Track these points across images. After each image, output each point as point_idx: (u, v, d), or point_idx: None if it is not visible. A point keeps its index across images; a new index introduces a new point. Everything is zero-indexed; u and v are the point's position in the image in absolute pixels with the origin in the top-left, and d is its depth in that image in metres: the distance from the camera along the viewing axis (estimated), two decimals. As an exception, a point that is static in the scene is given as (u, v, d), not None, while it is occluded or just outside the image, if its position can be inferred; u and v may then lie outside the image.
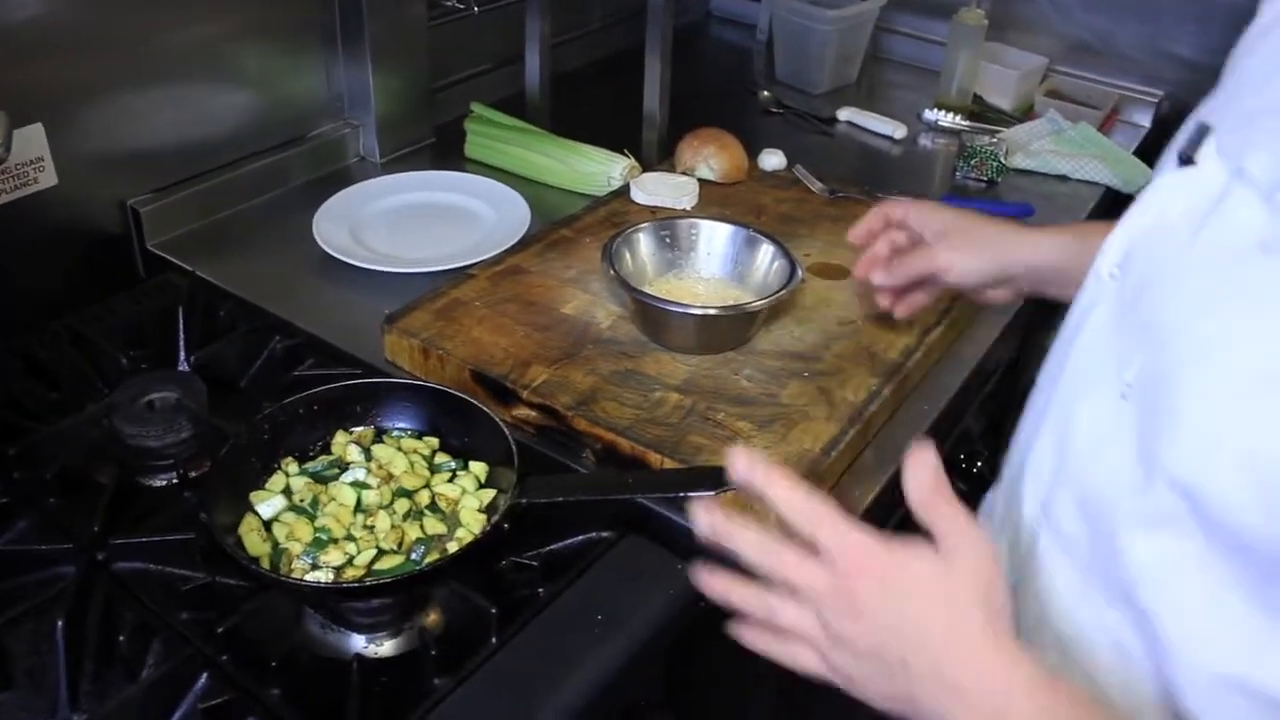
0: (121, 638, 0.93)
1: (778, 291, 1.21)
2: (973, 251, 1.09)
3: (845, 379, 1.18)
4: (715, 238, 1.33)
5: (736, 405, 1.13)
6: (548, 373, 1.15)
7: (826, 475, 1.07)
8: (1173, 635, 0.66)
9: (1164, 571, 0.66)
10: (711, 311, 1.17)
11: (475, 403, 1.07)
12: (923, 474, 0.69)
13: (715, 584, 0.78)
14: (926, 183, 1.79)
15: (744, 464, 0.74)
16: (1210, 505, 0.61)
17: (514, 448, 1.01)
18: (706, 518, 0.75)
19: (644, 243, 1.31)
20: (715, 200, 1.52)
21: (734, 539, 0.75)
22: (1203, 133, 0.71)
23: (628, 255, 1.29)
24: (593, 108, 1.97)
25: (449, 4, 1.79)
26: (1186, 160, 0.71)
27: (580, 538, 1.03)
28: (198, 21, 1.46)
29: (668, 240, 1.33)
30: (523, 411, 1.14)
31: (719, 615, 1.06)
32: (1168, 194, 0.72)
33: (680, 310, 1.18)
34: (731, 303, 1.25)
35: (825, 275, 1.36)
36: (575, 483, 1.06)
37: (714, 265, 1.33)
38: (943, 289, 1.16)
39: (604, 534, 1.03)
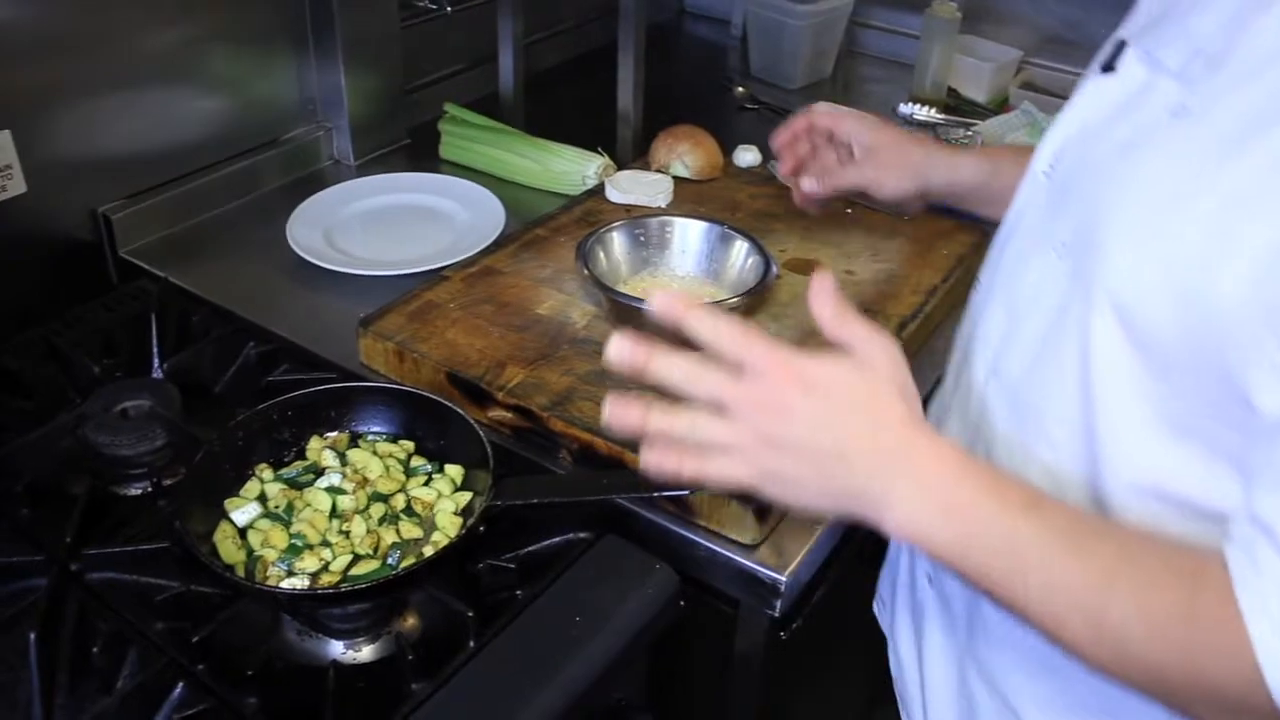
0: (95, 649, 0.92)
1: (752, 288, 1.21)
2: (899, 171, 1.21)
3: (822, 375, 1.17)
4: (689, 235, 1.33)
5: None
6: (523, 374, 1.15)
7: (804, 472, 1.07)
8: (1108, 453, 0.74)
9: (1101, 393, 0.74)
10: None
11: (450, 405, 1.06)
12: (827, 299, 0.75)
13: (629, 413, 0.78)
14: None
15: (663, 300, 0.77)
16: (1137, 321, 0.69)
17: (489, 450, 1.01)
18: (621, 347, 0.76)
19: (618, 241, 1.31)
20: (690, 197, 1.52)
21: (656, 365, 0.76)
22: (1121, 46, 0.81)
23: (601, 255, 1.28)
24: (567, 107, 1.97)
25: (421, 4, 1.78)
26: (1109, 69, 0.81)
27: (558, 539, 1.03)
28: (167, 25, 1.45)
29: (641, 239, 1.33)
30: (498, 413, 1.13)
31: (700, 615, 1.06)
32: (1093, 97, 0.82)
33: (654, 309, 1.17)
34: (707, 300, 1.25)
35: (801, 271, 1.36)
36: (551, 484, 1.06)
37: (688, 263, 1.32)
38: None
39: (582, 534, 1.03)
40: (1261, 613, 0.61)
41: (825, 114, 1.29)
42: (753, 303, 1.24)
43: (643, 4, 1.57)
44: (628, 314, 1.20)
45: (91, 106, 1.40)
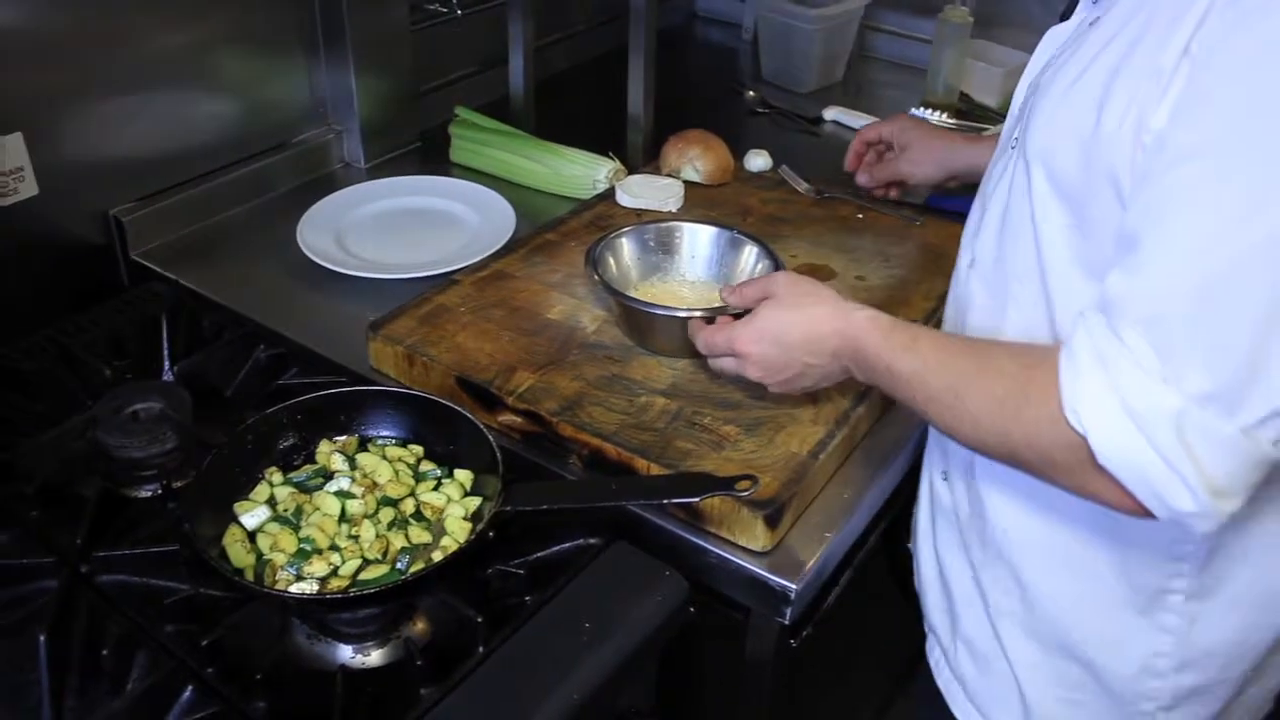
0: (105, 651, 0.92)
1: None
2: (926, 162, 1.44)
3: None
4: (699, 240, 1.32)
5: (723, 409, 1.12)
6: (533, 378, 1.15)
7: (815, 477, 1.07)
8: (1056, 298, 0.89)
9: (1045, 246, 0.89)
10: (696, 314, 1.16)
11: (460, 410, 1.06)
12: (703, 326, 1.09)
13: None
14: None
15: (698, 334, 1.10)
16: (1054, 168, 0.86)
17: (499, 455, 1.00)
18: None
19: (628, 246, 1.31)
20: (701, 202, 1.52)
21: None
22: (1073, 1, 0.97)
23: (611, 260, 1.28)
24: (577, 111, 1.97)
25: (431, 7, 1.79)
26: (1064, 18, 0.97)
27: (567, 545, 1.03)
28: (178, 29, 1.46)
29: (651, 244, 1.32)
30: (508, 418, 1.13)
31: (709, 621, 1.06)
32: (1050, 40, 0.98)
33: (665, 313, 1.17)
34: (717, 304, 1.24)
35: (812, 276, 1.35)
36: (561, 490, 1.06)
37: (698, 268, 1.32)
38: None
39: (591, 540, 1.03)
40: (1068, 361, 0.78)
41: (870, 128, 1.54)
42: None
43: (654, 8, 1.57)
44: (638, 319, 1.20)
45: (103, 109, 1.40)
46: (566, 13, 2.15)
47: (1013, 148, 0.96)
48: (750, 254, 1.28)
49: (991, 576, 1.02)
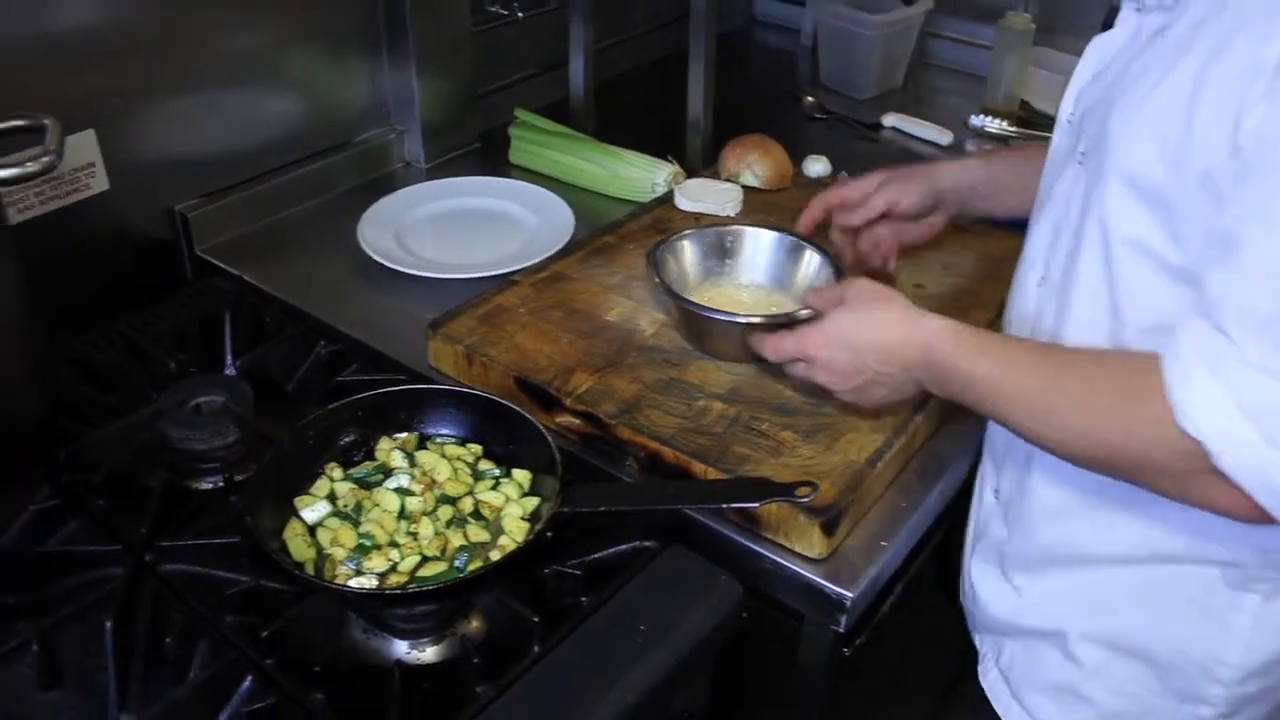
0: (169, 639, 0.93)
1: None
2: (908, 184, 1.28)
3: (890, 389, 1.16)
4: (760, 245, 1.32)
5: (781, 415, 1.12)
6: (591, 380, 1.15)
7: (872, 486, 1.06)
8: (1124, 302, 0.89)
9: (1119, 259, 0.88)
10: (757, 320, 1.16)
11: (520, 410, 1.07)
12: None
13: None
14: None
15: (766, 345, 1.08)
16: (1139, 179, 0.84)
17: (558, 456, 1.01)
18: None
19: (688, 249, 1.31)
20: (759, 207, 1.52)
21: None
22: (1115, 10, 0.95)
23: (672, 262, 1.28)
24: (637, 113, 1.97)
25: (493, 9, 1.80)
26: (1107, 27, 0.95)
27: (623, 547, 1.03)
28: (245, 28, 1.48)
29: (712, 247, 1.32)
30: (566, 419, 1.13)
31: (762, 627, 1.06)
32: (1098, 50, 0.96)
33: (726, 319, 1.17)
34: (775, 310, 1.24)
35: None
36: (619, 492, 1.06)
37: (757, 272, 1.32)
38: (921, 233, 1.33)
39: (647, 543, 1.03)
40: (1174, 360, 0.77)
41: (829, 192, 1.33)
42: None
43: (715, 12, 1.57)
44: (698, 323, 1.20)
45: (171, 107, 1.42)
46: (626, 16, 2.15)
47: (1079, 163, 0.94)
48: (811, 260, 1.28)
49: (1044, 590, 1.02)
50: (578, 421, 1.13)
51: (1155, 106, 0.83)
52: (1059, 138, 1.01)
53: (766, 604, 1.06)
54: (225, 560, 1.01)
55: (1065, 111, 1.00)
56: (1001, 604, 1.08)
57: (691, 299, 1.23)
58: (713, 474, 1.05)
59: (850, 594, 1.00)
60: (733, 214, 1.49)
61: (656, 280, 1.22)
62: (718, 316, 1.17)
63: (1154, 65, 0.84)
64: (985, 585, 1.11)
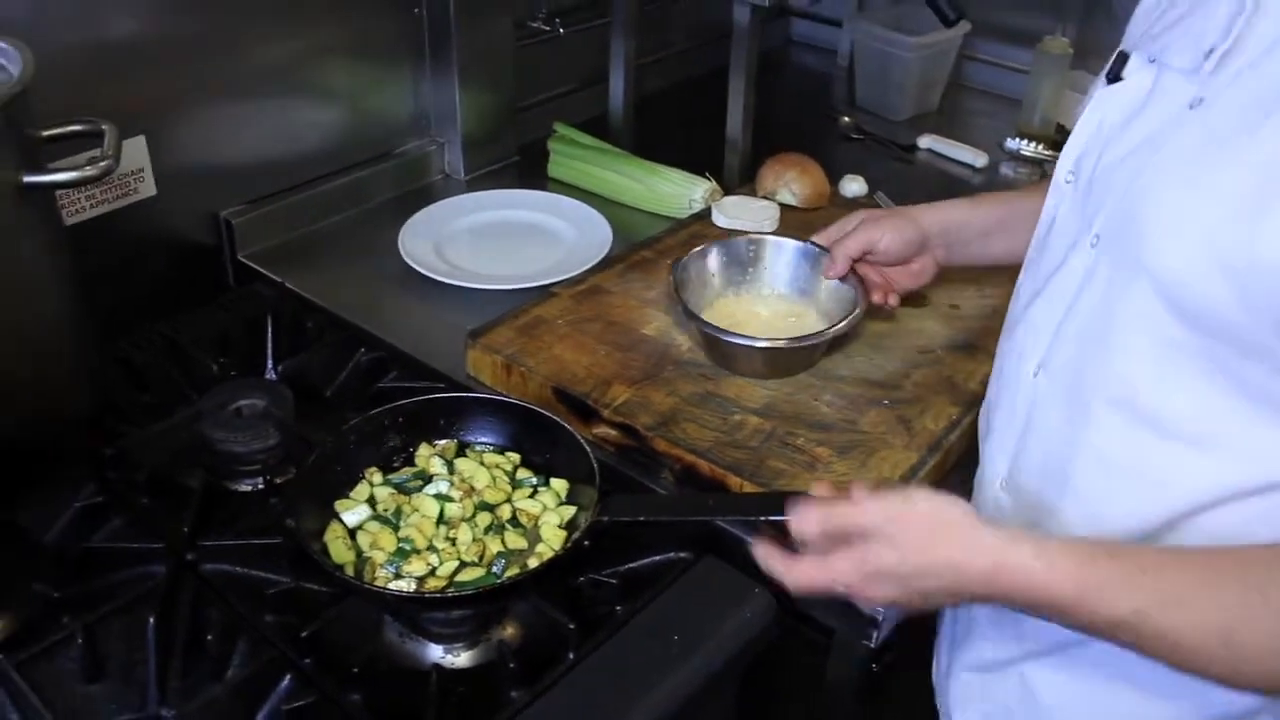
0: (209, 637, 0.95)
1: (846, 315, 1.21)
2: (893, 223, 1.21)
3: (925, 407, 1.17)
4: (782, 254, 1.33)
5: (816, 431, 1.13)
6: (629, 392, 1.16)
7: (906, 504, 1.07)
8: (1165, 428, 0.80)
9: (1151, 371, 0.79)
10: (780, 344, 1.18)
11: (559, 420, 1.08)
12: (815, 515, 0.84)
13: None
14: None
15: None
16: (1186, 298, 0.75)
17: (596, 466, 1.02)
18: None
19: (712, 260, 1.32)
20: (796, 225, 1.52)
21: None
22: (1125, 57, 0.87)
23: (694, 275, 1.29)
24: (675, 130, 1.99)
25: (535, 25, 1.82)
26: (1115, 79, 0.87)
27: (658, 557, 1.04)
28: (291, 39, 1.50)
29: (734, 257, 1.33)
30: (603, 430, 1.15)
31: (791, 640, 1.06)
32: (1103, 105, 0.87)
33: (744, 343, 1.18)
34: (794, 319, 1.27)
35: (905, 303, 1.35)
36: (657, 503, 1.07)
37: (779, 283, 1.33)
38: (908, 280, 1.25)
39: (682, 554, 1.04)
40: None
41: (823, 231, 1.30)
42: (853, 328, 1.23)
43: (756, 31, 1.58)
44: (718, 345, 1.21)
45: (218, 115, 1.45)
46: (665, 33, 2.17)
47: (1093, 246, 0.84)
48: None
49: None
50: (615, 433, 1.14)
51: (1204, 209, 0.73)
52: (1056, 200, 0.92)
53: (797, 618, 1.07)
54: (265, 561, 1.02)
55: (1063, 169, 0.91)
56: None
57: (713, 310, 1.25)
58: (748, 488, 1.05)
59: (883, 610, 1.00)
60: (769, 231, 1.50)
61: (677, 299, 1.24)
62: (736, 340, 1.19)
63: (1198, 148, 0.75)
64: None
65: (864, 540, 0.80)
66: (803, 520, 0.84)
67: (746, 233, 1.47)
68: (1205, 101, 0.76)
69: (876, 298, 1.24)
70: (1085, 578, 0.74)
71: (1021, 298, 0.97)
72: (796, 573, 0.84)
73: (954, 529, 0.79)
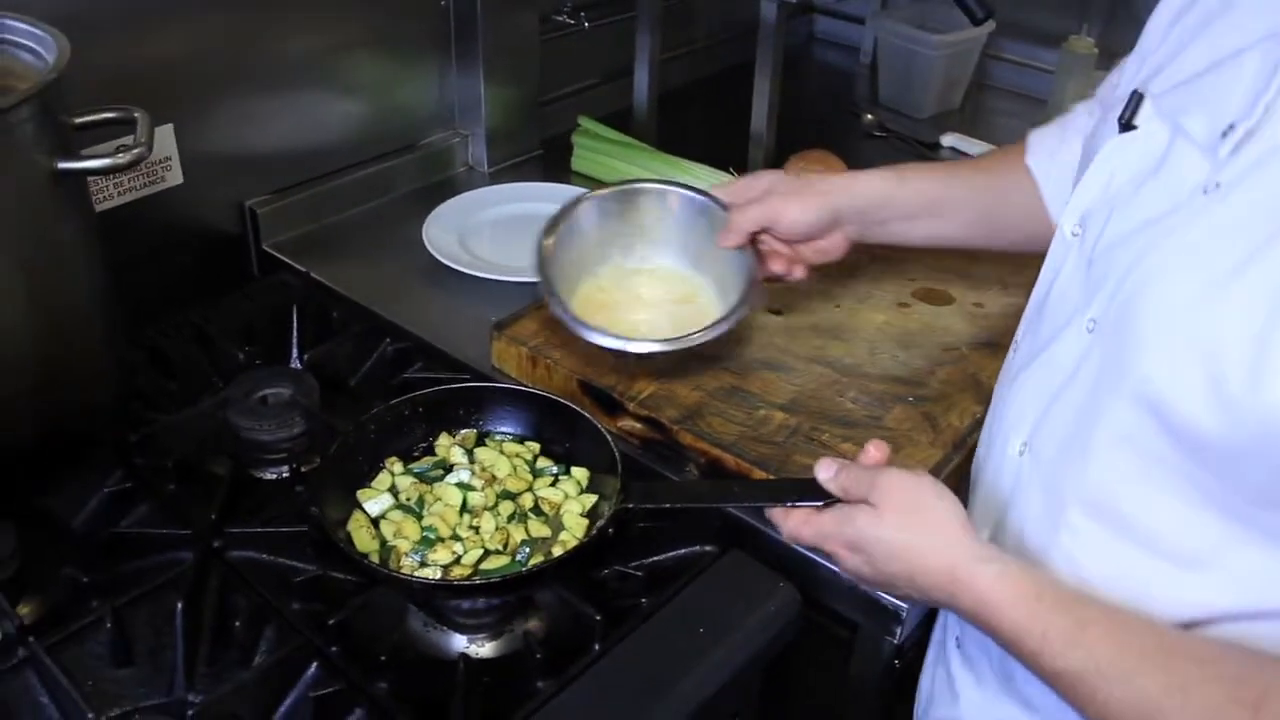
0: (236, 623, 0.95)
1: (738, 304, 1.11)
2: (799, 201, 1.11)
3: (950, 405, 1.17)
4: (669, 211, 1.19)
5: (841, 427, 1.13)
6: (654, 386, 1.16)
7: (931, 500, 1.07)
8: (1138, 539, 0.76)
9: (1134, 482, 0.76)
10: (655, 348, 1.10)
11: (579, 410, 1.08)
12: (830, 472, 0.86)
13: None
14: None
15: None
16: (1173, 418, 0.70)
17: (618, 456, 1.02)
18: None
19: (583, 217, 1.17)
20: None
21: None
22: (1139, 100, 0.82)
23: (564, 238, 1.14)
24: (698, 125, 1.99)
25: (560, 19, 1.82)
26: (1128, 125, 0.81)
27: (683, 550, 1.04)
28: (318, 30, 1.51)
29: (613, 213, 1.19)
30: (628, 423, 1.15)
31: (814, 635, 1.06)
32: (1115, 157, 0.82)
33: (614, 346, 1.10)
34: (685, 304, 1.18)
35: (930, 301, 1.35)
36: (681, 490, 1.07)
37: (668, 249, 1.21)
38: (814, 255, 1.16)
39: (707, 548, 1.04)
40: None
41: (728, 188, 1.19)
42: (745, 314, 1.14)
43: (783, 27, 1.58)
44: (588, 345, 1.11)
45: (245, 105, 1.45)
46: (689, 28, 2.17)
47: (1089, 330, 0.80)
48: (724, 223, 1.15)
49: None
50: (639, 426, 1.14)
51: (1208, 329, 0.68)
52: (1061, 255, 0.87)
53: (820, 612, 1.07)
54: (291, 549, 1.03)
55: (1070, 220, 0.86)
56: None
57: (588, 288, 1.15)
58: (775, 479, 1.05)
59: (907, 605, 1.00)
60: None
61: (539, 274, 1.11)
62: (604, 344, 1.10)
63: (1208, 247, 0.69)
64: None
65: (857, 505, 0.83)
66: (823, 468, 0.86)
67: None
68: (1221, 188, 0.70)
69: (778, 267, 1.15)
70: (1033, 620, 0.73)
71: (1017, 359, 0.93)
72: (791, 523, 0.88)
73: (936, 520, 0.80)
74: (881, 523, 0.81)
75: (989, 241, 1.19)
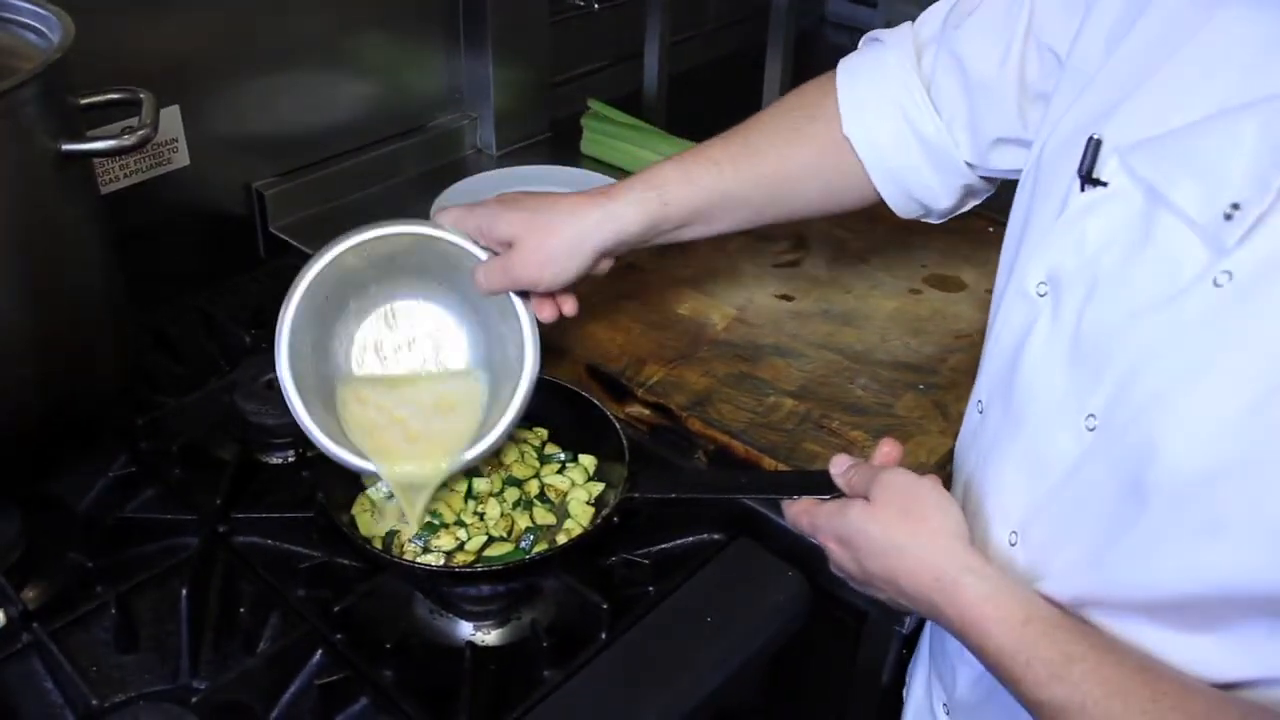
0: (242, 610, 0.95)
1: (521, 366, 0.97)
2: (553, 259, 0.97)
3: (961, 393, 1.15)
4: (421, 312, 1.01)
5: (851, 414, 1.12)
6: (663, 372, 1.16)
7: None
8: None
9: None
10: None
11: (588, 396, 1.07)
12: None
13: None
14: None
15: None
16: (1213, 531, 0.64)
17: (625, 442, 1.01)
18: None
19: (302, 304, 0.94)
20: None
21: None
22: (1097, 147, 0.73)
23: (304, 333, 0.95)
24: (706, 108, 1.96)
25: (569, 0, 1.80)
26: (1090, 178, 0.72)
27: (690, 538, 1.03)
28: (325, 10, 1.49)
29: (345, 291, 0.98)
30: (636, 409, 1.14)
31: (822, 624, 1.05)
32: (1082, 218, 0.74)
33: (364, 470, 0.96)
34: (453, 411, 1.01)
35: (942, 288, 1.34)
36: (689, 480, 1.06)
37: (423, 335, 1.01)
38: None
39: (715, 536, 1.03)
40: None
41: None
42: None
43: (794, 10, 1.57)
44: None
45: (252, 86, 1.44)
46: (699, 11, 2.15)
47: (1089, 429, 0.73)
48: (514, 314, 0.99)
49: None
50: (648, 412, 1.13)
51: (1251, 452, 0.63)
52: (1022, 307, 0.79)
53: (829, 601, 1.06)
54: (297, 535, 1.02)
55: (1032, 278, 0.78)
56: None
57: (340, 396, 0.98)
58: (783, 470, 1.04)
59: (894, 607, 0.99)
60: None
61: (283, 385, 0.94)
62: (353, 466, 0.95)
63: (1235, 352, 0.64)
64: None
65: (854, 499, 0.82)
66: (836, 464, 0.86)
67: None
68: (1235, 282, 0.63)
69: (546, 314, 1.01)
70: (1018, 646, 0.71)
71: (986, 432, 0.86)
72: (794, 509, 0.88)
73: (930, 528, 0.77)
74: (873, 519, 0.80)
75: (777, 221, 1.10)
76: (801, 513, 0.87)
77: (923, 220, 1.10)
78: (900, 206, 1.07)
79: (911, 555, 0.77)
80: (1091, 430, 0.73)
